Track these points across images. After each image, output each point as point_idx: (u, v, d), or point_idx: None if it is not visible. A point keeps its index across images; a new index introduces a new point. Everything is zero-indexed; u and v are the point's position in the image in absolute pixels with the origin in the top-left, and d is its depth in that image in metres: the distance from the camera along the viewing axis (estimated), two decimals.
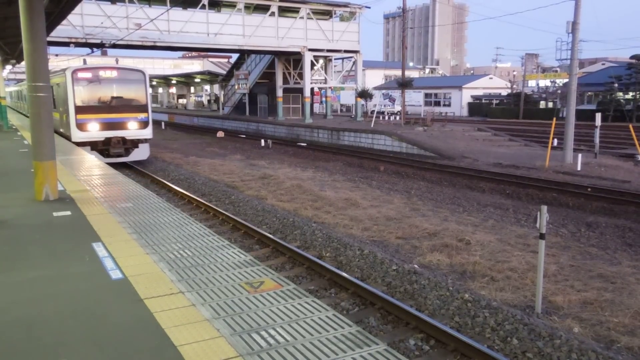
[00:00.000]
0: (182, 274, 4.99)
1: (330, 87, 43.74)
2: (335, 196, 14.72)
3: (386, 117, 40.96)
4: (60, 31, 25.99)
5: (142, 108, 19.74)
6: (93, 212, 7.56)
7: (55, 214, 7.52)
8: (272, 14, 36.38)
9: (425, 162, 22.59)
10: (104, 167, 12.46)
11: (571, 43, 21.16)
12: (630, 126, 24.36)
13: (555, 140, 21.83)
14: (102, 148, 18.94)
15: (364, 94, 39.32)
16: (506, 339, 6.26)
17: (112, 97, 19.16)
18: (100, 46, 29.76)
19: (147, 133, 19.97)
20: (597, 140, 22.45)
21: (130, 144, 19.58)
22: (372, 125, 32.41)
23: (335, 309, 7.23)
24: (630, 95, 46.45)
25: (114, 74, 19.10)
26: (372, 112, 38.00)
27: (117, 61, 20.63)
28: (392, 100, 43.22)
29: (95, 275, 5.03)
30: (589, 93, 52.54)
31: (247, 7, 36.33)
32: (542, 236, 7.16)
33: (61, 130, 20.77)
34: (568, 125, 20.83)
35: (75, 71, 18.48)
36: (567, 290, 7.80)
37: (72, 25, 28.65)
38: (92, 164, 12.76)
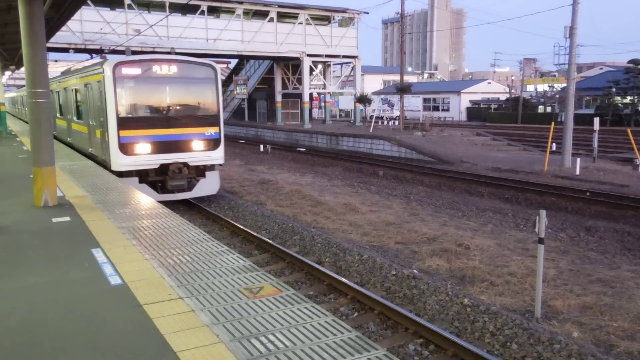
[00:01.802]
0: (182, 280, 4.99)
1: (329, 92, 43.82)
2: (335, 201, 14.72)
3: (385, 122, 41.01)
4: (60, 37, 26.06)
5: (212, 120, 13.65)
6: (92, 217, 7.56)
7: (54, 219, 7.52)
8: (271, 19, 36.49)
9: (424, 167, 22.62)
10: (104, 173, 12.42)
11: (569, 48, 21.25)
12: (629, 130, 24.43)
13: (554, 144, 21.88)
14: (155, 179, 13.13)
15: (363, 99, 39.40)
16: (506, 343, 6.25)
17: (170, 105, 13.20)
18: (99, 52, 29.81)
19: (218, 156, 13.82)
20: (595, 144, 22.50)
21: (195, 172, 13.63)
22: (371, 130, 32.45)
23: (335, 314, 7.22)
24: (628, 99, 46.58)
25: (172, 69, 12.97)
26: (371, 117, 38.06)
27: (173, 50, 14.26)
28: (391, 105, 43.29)
29: (94, 281, 5.03)
30: (587, 97, 52.65)
31: (246, 12, 36.45)
32: (541, 241, 7.17)
33: (91, 151, 14.95)
34: (566, 129, 20.88)
35: (118, 65, 12.35)
36: (567, 295, 7.80)
37: (72, 31, 28.74)
38: (92, 171, 12.74)
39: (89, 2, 28.51)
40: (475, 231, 11.69)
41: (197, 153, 13.41)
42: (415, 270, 8.93)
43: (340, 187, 18.01)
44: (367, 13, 41.07)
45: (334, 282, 8.32)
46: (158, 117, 12.98)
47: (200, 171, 13.81)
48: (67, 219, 7.55)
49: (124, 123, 12.49)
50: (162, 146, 12.89)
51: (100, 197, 9.03)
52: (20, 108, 42.13)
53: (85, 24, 29.41)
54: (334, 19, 40.98)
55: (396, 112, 40.60)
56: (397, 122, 38.75)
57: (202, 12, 33.50)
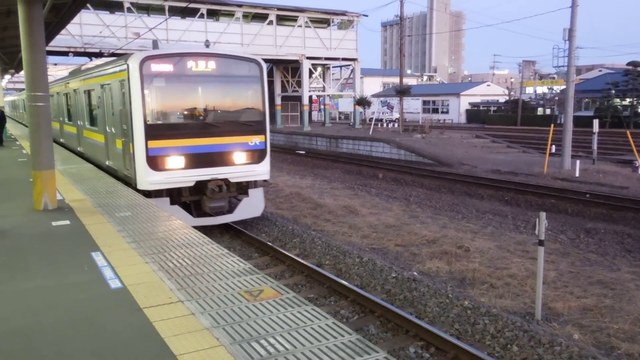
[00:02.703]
0: (182, 283, 4.98)
1: (328, 95, 43.89)
2: (334, 204, 14.72)
3: (384, 125, 41.05)
4: (59, 40, 26.09)
5: (257, 127, 11.46)
6: (92, 221, 7.55)
7: (54, 223, 7.51)
8: (270, 22, 36.56)
9: (424, 169, 22.62)
10: (103, 176, 12.40)
11: (568, 50, 21.27)
12: (628, 132, 24.44)
13: (554, 146, 21.89)
14: (189, 199, 11.02)
15: (362, 102, 39.44)
16: (506, 346, 6.24)
17: (208, 108, 11.04)
18: (98, 55, 29.84)
19: (264, 170, 11.64)
20: (595, 146, 22.52)
21: (235, 190, 11.44)
22: (370, 133, 32.48)
23: (335, 317, 7.21)
24: (627, 101, 46.63)
25: (211, 65, 10.85)
26: (371, 119, 38.10)
27: (207, 43, 11.92)
28: (390, 107, 43.33)
29: (94, 285, 5.02)
30: (587, 99, 52.73)
31: (245, 15, 36.51)
32: (541, 243, 7.17)
33: (109, 164, 12.77)
34: (566, 131, 20.90)
35: (147, 60, 10.24)
36: (567, 297, 7.79)
37: (71, 34, 28.79)
38: (91, 175, 12.72)
39: (89, 5, 28.55)
40: (475, 233, 11.69)
41: (240, 167, 11.20)
42: (415, 273, 8.92)
43: (340, 189, 18.01)
44: (367, 16, 41.16)
45: (334, 285, 8.32)
46: (194, 124, 10.79)
47: (242, 189, 11.60)
48: (67, 222, 7.54)
49: (153, 131, 10.26)
50: (199, 159, 10.69)
51: (100, 201, 9.03)
52: (21, 112, 40.97)
53: (85, 27, 29.46)
54: (333, 21, 41.06)
55: (395, 115, 40.64)
56: (396, 125, 38.77)
57: (202, 15, 33.55)
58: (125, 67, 10.47)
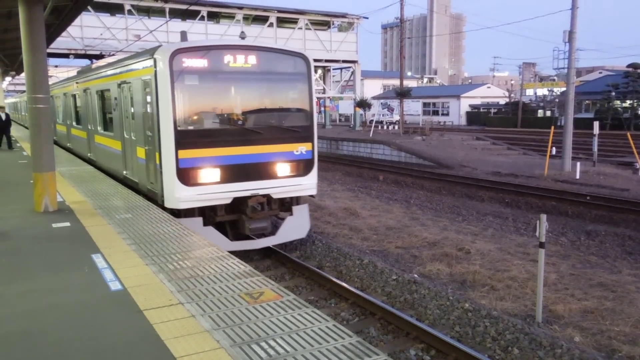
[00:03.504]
0: (182, 285, 4.98)
1: (328, 97, 43.90)
2: (335, 206, 14.72)
3: (385, 127, 41.06)
4: (60, 43, 26.14)
5: (304, 133, 9.92)
6: (92, 223, 7.55)
7: (54, 225, 7.51)
8: (271, 24, 36.60)
9: (424, 171, 22.62)
10: (103, 178, 12.38)
11: (568, 52, 21.28)
12: (628, 134, 24.44)
13: (554, 148, 21.90)
14: (226, 219, 9.52)
15: (363, 104, 39.47)
16: (507, 348, 6.23)
17: (248, 111, 9.56)
18: (99, 57, 29.89)
19: (311, 184, 10.10)
20: (595, 148, 22.52)
21: (278, 207, 9.93)
22: (370, 135, 32.49)
23: (336, 319, 7.20)
24: (627, 103, 46.65)
25: (251, 59, 9.31)
26: (371, 121, 38.12)
27: (243, 35, 10.31)
28: (391, 109, 43.37)
29: (94, 287, 5.01)
30: (587, 101, 52.76)
31: (246, 18, 36.56)
32: (541, 245, 7.16)
33: (127, 175, 11.36)
34: (566, 133, 20.90)
35: (178, 54, 8.71)
36: (568, 299, 7.78)
37: (72, 37, 28.84)
38: (91, 176, 12.70)
39: (89, 7, 28.61)
40: (475, 235, 11.68)
41: (284, 180, 9.64)
42: (415, 275, 8.91)
43: (340, 191, 18.01)
44: (367, 18, 41.29)
45: (335, 287, 8.31)
46: (231, 131, 9.26)
47: (285, 205, 10.08)
48: (67, 224, 7.54)
49: (184, 139, 8.74)
50: (237, 172, 9.15)
51: (101, 203, 9.02)
52: (23, 114, 40.38)
53: (86, 29, 29.52)
54: (333, 24, 41.11)
55: (396, 117, 40.67)
56: (396, 127, 38.80)
57: (202, 18, 33.61)
58: (151, 62, 8.96)
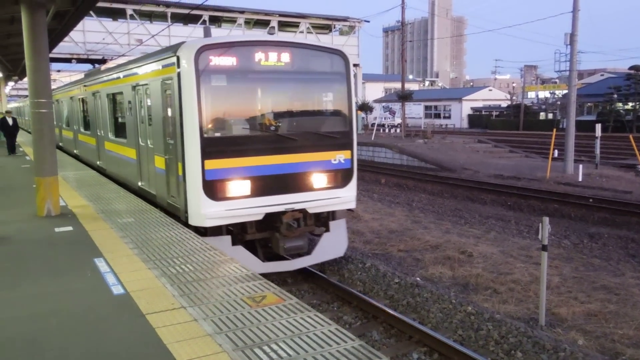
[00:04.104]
0: (184, 289, 4.98)
1: None
2: None
3: (386, 130, 41.07)
4: (63, 47, 26.24)
5: (343, 139, 8.97)
6: (95, 227, 7.56)
7: (57, 229, 7.52)
8: (272, 28, 36.67)
9: (426, 174, 22.60)
10: (105, 182, 12.38)
11: (570, 54, 21.29)
12: (631, 137, 24.41)
13: (556, 151, 21.87)
14: (257, 237, 8.61)
15: (364, 107, 39.52)
16: (510, 352, 6.21)
17: (281, 116, 8.66)
18: (101, 62, 30.00)
19: (349, 196, 9.07)
20: (597, 151, 22.48)
21: (313, 223, 8.90)
22: (372, 138, 32.49)
23: (338, 323, 7.19)
24: (629, 105, 46.60)
25: (284, 57, 8.39)
26: (373, 124, 38.13)
27: (272, 31, 8.93)
28: (392, 112, 43.39)
29: (97, 291, 5.02)
30: (589, 104, 52.71)
31: (247, 22, 36.67)
32: (544, 248, 7.14)
33: (143, 186, 10.46)
34: (568, 136, 20.88)
35: (204, 51, 7.79)
36: (571, 302, 7.76)
37: (74, 41, 28.95)
38: (94, 180, 12.71)
39: (92, 12, 28.73)
40: (478, 238, 11.66)
41: (320, 193, 8.67)
42: (418, 278, 8.90)
43: None
44: (368, 21, 41.31)
45: (337, 291, 8.30)
46: (263, 137, 8.30)
47: (321, 220, 9.07)
48: (70, 228, 7.55)
49: (211, 147, 7.83)
50: (269, 184, 8.21)
51: (103, 207, 9.04)
52: (27, 119, 39.97)
53: (88, 34, 29.63)
54: (335, 27, 41.20)
55: (397, 120, 40.68)
56: (398, 130, 38.80)
57: (204, 22, 33.70)
58: (173, 60, 8.03)
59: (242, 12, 35.38)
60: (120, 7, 30.73)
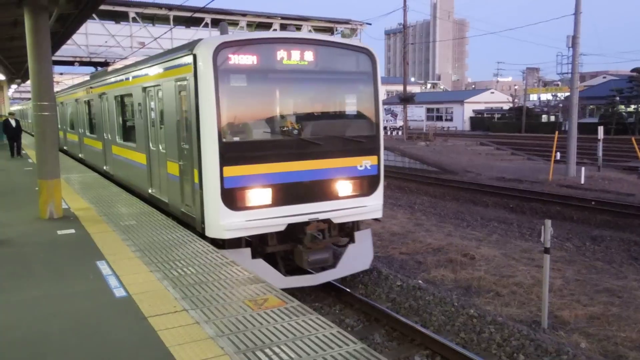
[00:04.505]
0: (186, 292, 4.98)
1: None
2: None
3: (388, 132, 41.06)
4: (65, 50, 26.29)
5: (369, 143, 8.52)
6: (97, 230, 7.57)
7: (59, 232, 7.53)
8: (275, 31, 36.74)
9: (428, 176, 22.59)
10: (108, 185, 12.40)
11: (572, 57, 21.29)
12: (633, 139, 24.35)
13: (558, 153, 21.85)
14: (278, 249, 8.08)
15: None
16: (513, 355, 6.20)
17: (303, 119, 8.08)
18: (104, 64, 30.09)
19: (376, 205, 8.67)
20: (600, 153, 22.45)
21: (337, 233, 8.48)
22: None
23: (340, 325, 7.18)
24: (632, 108, 46.55)
25: (308, 56, 7.88)
26: None
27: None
28: (394, 115, 43.42)
29: (99, 294, 5.02)
30: (591, 106, 52.64)
31: (250, 24, 36.73)
32: (546, 250, 7.13)
33: (154, 193, 9.96)
34: (570, 138, 20.85)
35: (223, 48, 7.29)
36: (574, 305, 7.74)
37: (77, 44, 29.03)
38: (96, 183, 12.72)
39: (94, 15, 28.82)
40: (480, 241, 11.64)
41: (346, 201, 8.17)
42: (420, 281, 8.89)
43: None
44: (370, 24, 41.32)
45: (339, 294, 8.29)
46: (285, 142, 7.78)
47: (345, 231, 8.63)
48: (72, 231, 7.57)
49: (230, 152, 7.32)
50: (292, 192, 7.70)
51: (105, 209, 9.05)
52: (29, 122, 39.50)
53: (91, 37, 29.70)
54: (336, 30, 41.21)
55: (399, 122, 40.69)
56: (400, 132, 38.79)
57: (206, 25, 33.77)
58: (189, 59, 7.52)
59: (244, 14, 35.44)
60: (123, 10, 30.82)
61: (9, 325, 4.34)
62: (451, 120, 65.19)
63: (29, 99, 24.04)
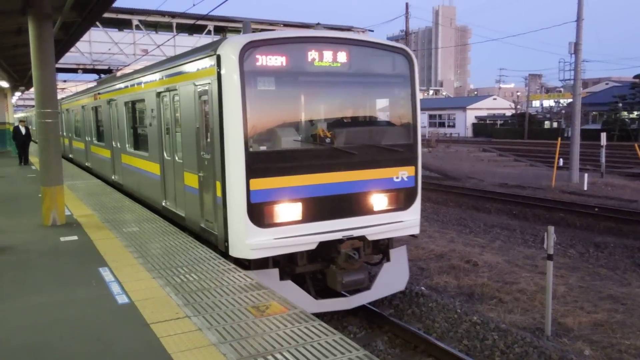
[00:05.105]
0: (188, 298, 4.98)
1: None
2: None
3: None
4: (69, 58, 26.44)
5: (406, 152, 7.79)
6: (100, 236, 7.58)
7: (62, 239, 7.54)
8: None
9: (431, 182, 22.57)
10: (110, 191, 12.43)
11: (574, 63, 21.31)
12: (636, 145, 24.32)
13: (561, 160, 21.83)
14: (308, 269, 7.40)
15: None
16: None
17: (336, 126, 7.45)
18: (107, 72, 30.23)
19: (413, 220, 7.86)
20: (603, 159, 22.42)
21: (371, 252, 7.82)
22: None
23: (343, 332, 7.16)
24: (635, 114, 46.51)
25: (341, 57, 7.22)
26: None
27: (318, 26, 8.55)
28: None
29: (101, 300, 5.02)
30: (594, 113, 52.63)
31: (253, 32, 36.84)
32: (550, 257, 7.10)
33: (170, 207, 9.17)
34: (573, 145, 20.83)
35: (250, 48, 6.61)
36: (577, 312, 7.70)
37: (80, 52, 29.18)
38: (99, 190, 12.75)
39: (98, 23, 28.99)
40: (483, 247, 11.61)
41: (381, 216, 7.49)
42: (423, 288, 8.86)
43: None
44: (372, 31, 41.44)
45: None
46: (317, 151, 7.12)
47: (382, 249, 7.96)
48: (75, 238, 7.58)
49: (257, 163, 6.65)
50: (324, 206, 7.03)
51: (108, 216, 9.06)
52: (33, 129, 39.36)
53: (94, 44, 29.86)
54: None
55: None
56: None
57: (209, 32, 33.93)
58: (212, 61, 6.91)
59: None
60: (127, 18, 31.00)
61: (12, 332, 4.34)
62: (453, 126, 65.24)
63: (33, 106, 24.11)
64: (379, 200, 7.43)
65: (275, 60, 6.72)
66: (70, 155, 21.70)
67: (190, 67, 7.80)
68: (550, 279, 7.09)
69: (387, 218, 7.50)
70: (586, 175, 19.85)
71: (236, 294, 5.09)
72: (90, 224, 8.46)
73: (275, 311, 4.64)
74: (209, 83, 6.99)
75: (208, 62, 7.05)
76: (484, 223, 14.79)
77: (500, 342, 6.56)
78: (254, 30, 8.24)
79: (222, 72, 6.61)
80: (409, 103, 7.77)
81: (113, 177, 13.64)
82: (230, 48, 6.58)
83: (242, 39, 6.67)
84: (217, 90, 6.72)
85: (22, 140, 19.49)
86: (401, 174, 7.66)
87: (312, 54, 6.96)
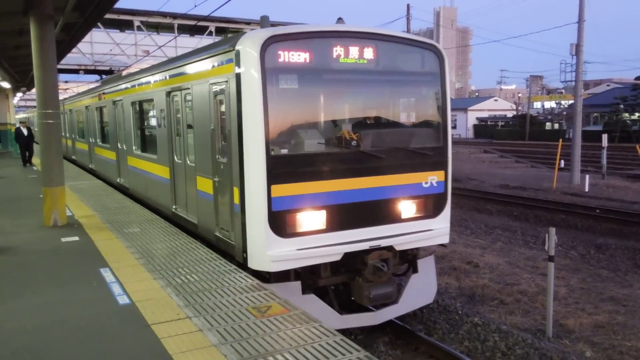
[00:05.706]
0: (189, 299, 4.98)
1: None
2: None
3: None
4: (70, 59, 26.48)
5: (436, 156, 7.27)
6: (101, 237, 7.59)
7: (63, 239, 7.55)
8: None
9: None
10: (112, 192, 12.48)
11: (575, 65, 21.30)
12: (637, 147, 24.29)
13: (562, 161, 21.81)
14: (332, 282, 6.83)
15: None
16: None
17: (362, 127, 6.88)
18: (109, 72, 30.27)
19: (443, 229, 7.34)
20: (604, 161, 22.39)
21: (398, 262, 7.24)
22: None
23: (343, 334, 7.15)
24: (636, 116, 46.48)
25: (368, 53, 6.67)
26: None
27: (341, 20, 7.31)
28: None
29: (102, 301, 5.03)
30: (595, 114, 52.61)
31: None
32: (551, 258, 7.10)
33: (181, 213, 8.70)
34: (574, 146, 20.81)
35: (272, 43, 6.04)
36: (578, 313, 7.70)
37: (82, 52, 29.22)
38: (100, 191, 12.77)
39: (99, 24, 29.03)
40: (484, 249, 11.61)
41: (409, 224, 6.98)
42: None
43: None
44: None
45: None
46: (342, 155, 6.59)
47: (407, 258, 7.45)
48: (76, 238, 7.58)
49: (279, 168, 6.14)
50: (349, 214, 6.54)
51: (109, 217, 9.07)
52: (35, 129, 39.43)
53: (96, 45, 29.90)
54: None
55: None
56: None
57: (210, 33, 33.96)
58: (229, 57, 6.43)
59: (248, 23, 35.61)
60: (128, 19, 31.05)
61: (13, 333, 4.34)
62: (455, 127, 65.20)
63: (34, 106, 24.11)
64: (407, 208, 6.92)
65: (298, 57, 6.22)
66: (73, 157, 21.64)
67: (204, 65, 7.31)
68: (551, 280, 7.08)
69: (415, 226, 6.98)
70: (587, 176, 19.83)
71: (237, 295, 5.09)
72: (92, 225, 8.46)
73: (275, 312, 4.63)
74: (226, 81, 6.52)
75: (224, 58, 6.57)
76: (485, 224, 14.78)
77: (502, 343, 6.55)
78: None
79: (242, 69, 6.11)
80: (440, 103, 7.31)
81: (119, 180, 13.24)
82: (251, 43, 6.05)
83: (263, 33, 6.14)
84: (235, 89, 6.24)
85: (25, 142, 19.48)
86: (430, 179, 7.14)
87: (338, 50, 6.45)
